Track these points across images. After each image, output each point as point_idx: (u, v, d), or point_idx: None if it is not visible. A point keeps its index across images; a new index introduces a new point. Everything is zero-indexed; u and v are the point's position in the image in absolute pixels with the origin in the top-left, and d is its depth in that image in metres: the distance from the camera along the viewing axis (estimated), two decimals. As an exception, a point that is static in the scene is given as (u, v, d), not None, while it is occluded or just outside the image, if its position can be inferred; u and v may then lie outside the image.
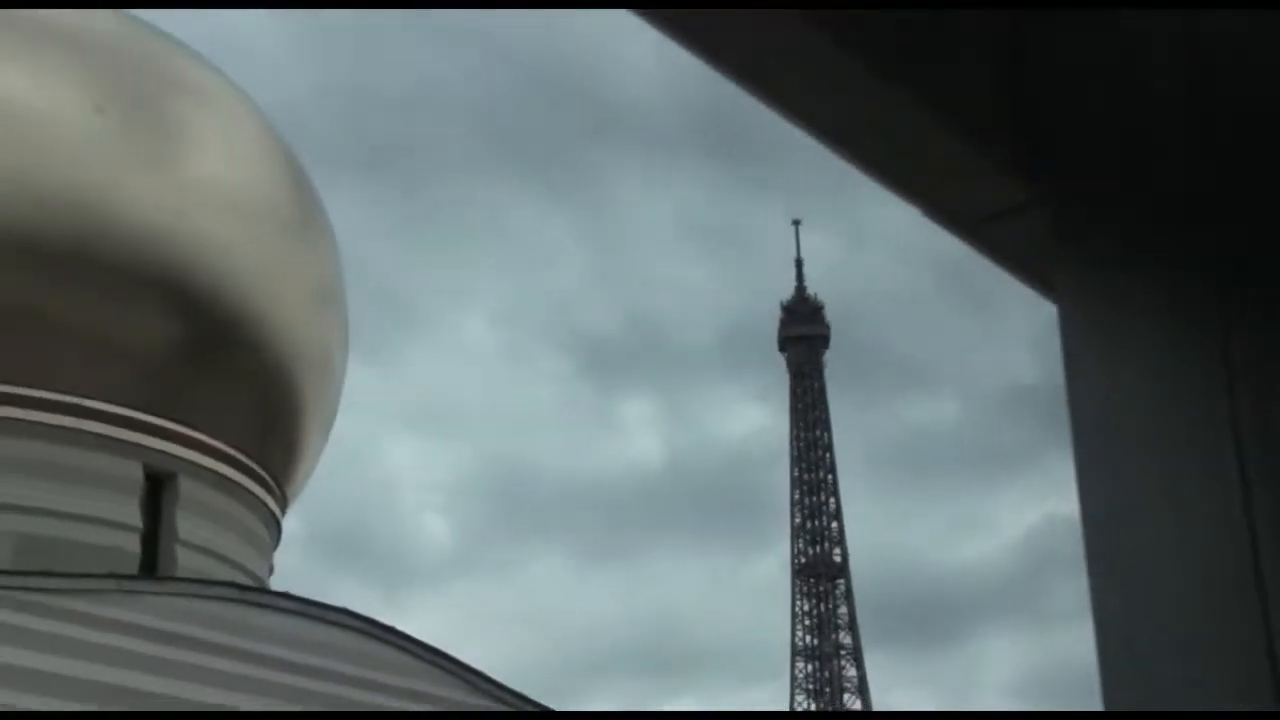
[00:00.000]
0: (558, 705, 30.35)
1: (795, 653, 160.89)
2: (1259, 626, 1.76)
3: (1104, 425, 2.00)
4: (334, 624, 27.02)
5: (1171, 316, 2.01)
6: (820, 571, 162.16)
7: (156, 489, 29.26)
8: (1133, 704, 1.86)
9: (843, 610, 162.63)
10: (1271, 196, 1.93)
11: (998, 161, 2.25)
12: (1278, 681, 1.73)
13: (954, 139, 2.23)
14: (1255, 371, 1.84)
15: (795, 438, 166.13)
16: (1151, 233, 2.04)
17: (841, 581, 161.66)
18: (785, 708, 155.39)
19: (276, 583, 31.68)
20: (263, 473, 31.42)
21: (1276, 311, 1.87)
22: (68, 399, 28.14)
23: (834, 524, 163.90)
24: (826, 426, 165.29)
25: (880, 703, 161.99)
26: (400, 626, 28.58)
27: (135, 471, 28.88)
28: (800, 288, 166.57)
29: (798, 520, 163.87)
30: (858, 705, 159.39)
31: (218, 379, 29.83)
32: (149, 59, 31.18)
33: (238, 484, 30.76)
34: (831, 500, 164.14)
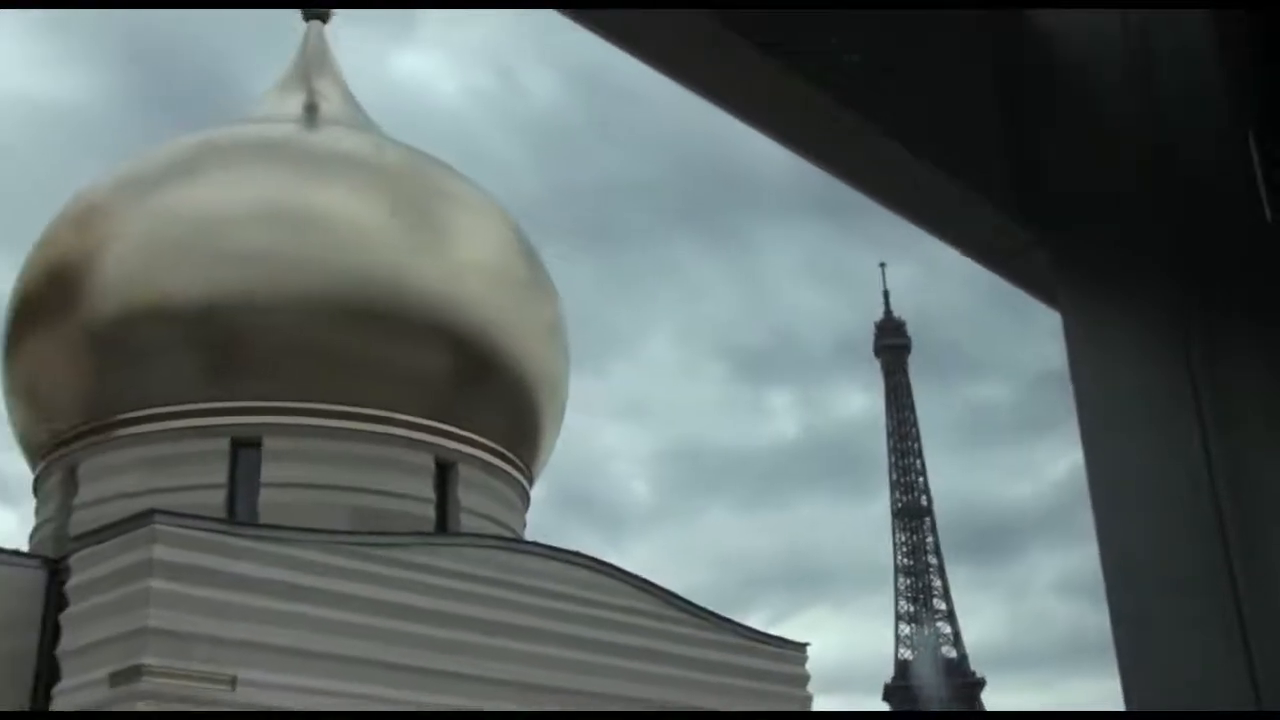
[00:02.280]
0: (731, 614, 30.08)
1: (897, 570, 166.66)
2: (1223, 563, 1.72)
3: (1098, 406, 1.94)
4: (570, 562, 27.28)
5: (1144, 328, 1.97)
6: (912, 512, 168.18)
7: (444, 472, 29.84)
8: (1132, 617, 1.82)
9: (929, 539, 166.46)
10: (1213, 241, 1.89)
11: (1002, 214, 2.12)
12: (1241, 618, 1.68)
13: (965, 197, 2.11)
14: (1209, 368, 1.80)
15: (889, 417, 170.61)
16: (1126, 266, 1.99)
17: (928, 519, 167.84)
18: (892, 611, 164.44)
19: (529, 535, 32.04)
20: (515, 458, 31.83)
21: (1223, 326, 1.84)
22: (380, 412, 28.75)
23: (920, 478, 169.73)
24: (911, 408, 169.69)
25: (959, 603, 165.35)
26: (617, 562, 28.74)
27: (428, 461, 29.56)
28: (887, 310, 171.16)
29: (894, 476, 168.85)
30: (942, 606, 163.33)
31: (481, 395, 30.20)
32: (424, 176, 31.96)
33: (498, 467, 31.24)
34: (918, 461, 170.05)
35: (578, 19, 1.75)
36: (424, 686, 23.08)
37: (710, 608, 29.71)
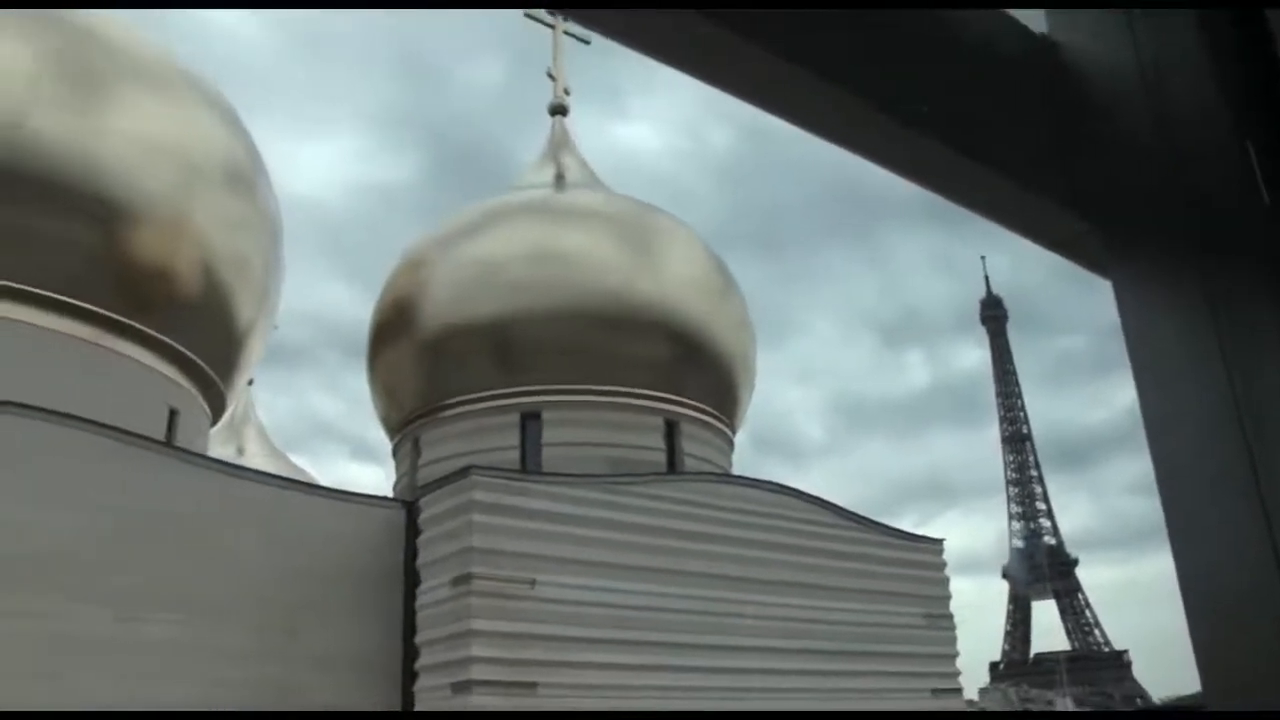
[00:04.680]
0: (885, 521, 29.50)
1: (1007, 482, 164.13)
2: (1248, 466, 1.62)
3: (1145, 354, 1.79)
4: (765, 489, 27.15)
5: (1178, 293, 1.82)
6: (1016, 438, 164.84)
7: (670, 429, 30.05)
8: (1179, 508, 1.72)
9: (1030, 458, 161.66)
10: (1226, 221, 1.76)
11: (1060, 208, 1.94)
12: (1264, 505, 1.59)
13: (1027, 197, 1.93)
14: (1234, 328, 1.68)
15: (995, 367, 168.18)
16: (1162, 246, 1.84)
17: (1028, 443, 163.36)
18: (1005, 516, 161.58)
19: (735, 470, 32.19)
20: (721, 416, 31.90)
21: (1239, 288, 1.72)
22: (622, 388, 29.25)
23: (1021, 412, 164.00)
24: (1011, 361, 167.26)
25: (1055, 503, 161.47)
26: (799, 487, 28.60)
27: (659, 421, 29.87)
28: (988, 289, 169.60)
29: (1001, 412, 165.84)
30: (1043, 507, 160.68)
31: (694, 372, 30.45)
32: (642, 217, 32.16)
33: (709, 423, 31.34)
34: (1018, 400, 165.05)
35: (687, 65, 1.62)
36: (660, 581, 23.27)
37: (869, 516, 29.31)
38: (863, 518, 28.99)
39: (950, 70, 1.87)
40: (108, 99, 24.09)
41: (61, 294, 23.07)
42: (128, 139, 24.02)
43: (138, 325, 24.50)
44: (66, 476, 19.50)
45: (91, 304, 23.55)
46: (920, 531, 31.50)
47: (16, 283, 22.53)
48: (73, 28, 24.71)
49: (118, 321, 24.09)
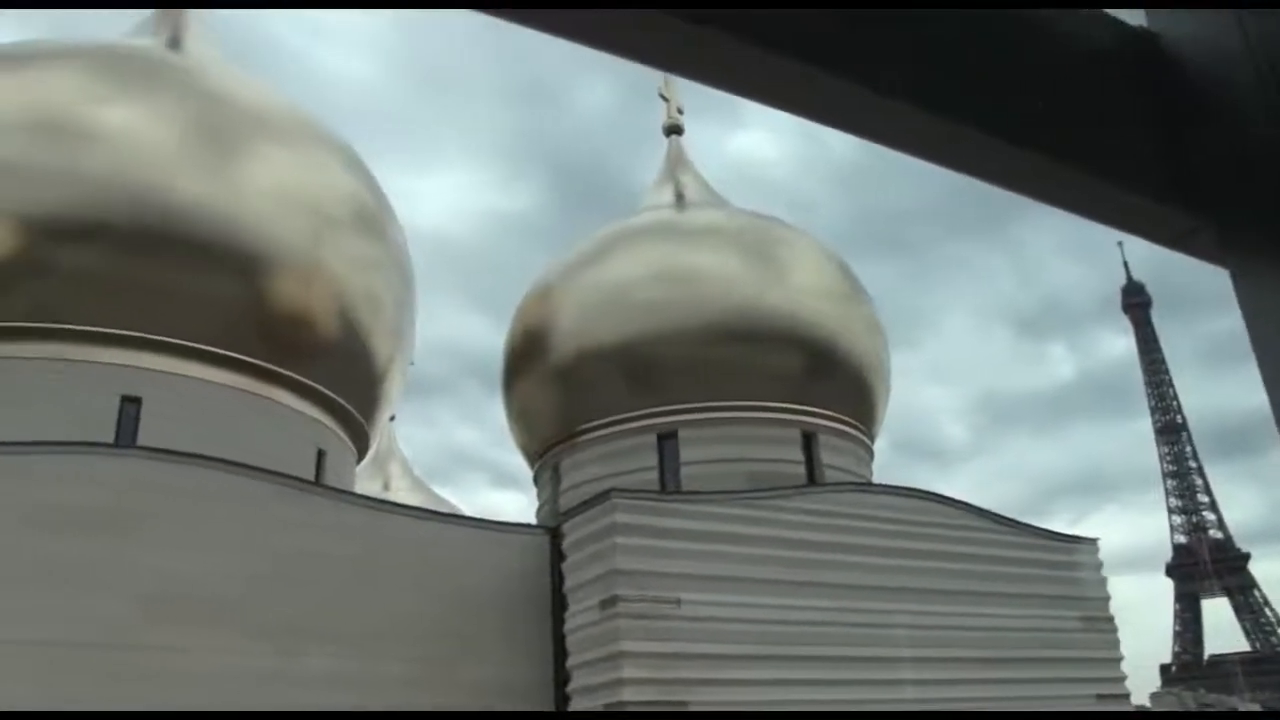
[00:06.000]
0: (1037, 521, 29.02)
1: (1164, 475, 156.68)
2: None
3: (1272, 351, 1.72)
4: (905, 495, 26.78)
5: None
6: (1170, 429, 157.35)
7: (808, 440, 29.92)
8: None
9: (1188, 448, 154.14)
10: None
11: (1167, 207, 1.87)
12: None
13: (1132, 201, 1.86)
14: None
15: (1142, 357, 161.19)
16: (1265, 234, 1.78)
17: (1184, 432, 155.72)
18: (1163, 506, 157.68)
19: (875, 478, 31.94)
20: (858, 424, 31.63)
21: None
22: (757, 402, 29.29)
23: (1174, 401, 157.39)
24: (1158, 349, 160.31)
25: (1218, 494, 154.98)
26: (945, 490, 28.59)
27: (795, 434, 29.76)
28: (1129, 276, 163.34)
29: (1151, 403, 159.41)
30: (1205, 499, 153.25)
31: (827, 381, 30.30)
32: (763, 231, 32.27)
33: (847, 432, 31.12)
34: (1170, 389, 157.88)
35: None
36: (806, 594, 23.15)
37: (1018, 518, 28.62)
38: (1012, 520, 28.40)
39: (1040, 73, 1.80)
40: (241, 157, 25.47)
41: (214, 346, 24.38)
42: (262, 193, 25.33)
43: (284, 371, 25.71)
44: (227, 520, 20.56)
45: (241, 354, 24.87)
46: (1075, 530, 31.06)
47: (173, 338, 23.89)
48: (204, 92, 26.18)
49: (266, 369, 25.34)
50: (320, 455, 26.94)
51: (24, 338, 23.11)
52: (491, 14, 1.39)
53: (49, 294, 23.18)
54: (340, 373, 27.15)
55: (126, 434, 23.06)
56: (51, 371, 22.91)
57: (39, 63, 25.59)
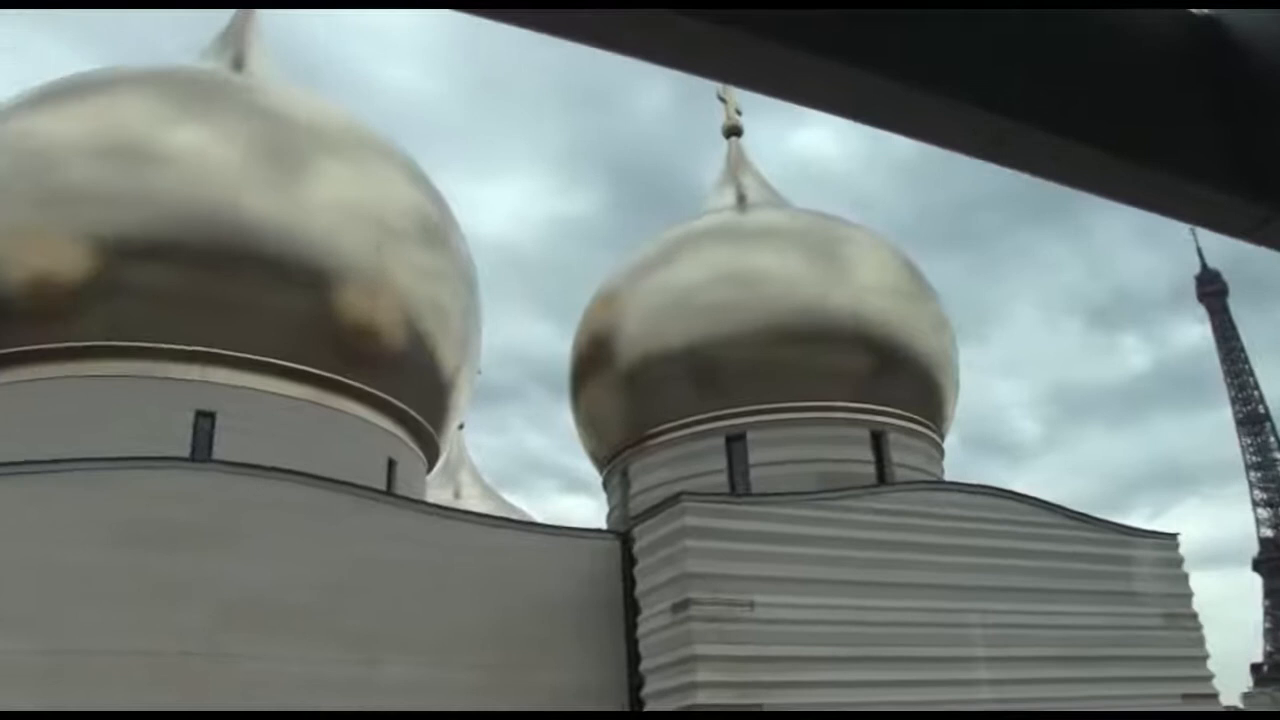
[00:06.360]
0: (1114, 516, 28.27)
1: (1247, 467, 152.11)
2: None
3: None
4: (975, 492, 26.61)
5: None
6: (1252, 419, 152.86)
7: (877, 439, 29.68)
8: None
9: (1271, 439, 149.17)
10: None
11: (1236, 198, 1.83)
12: None
13: (1199, 193, 1.84)
14: None
15: (1219, 348, 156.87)
16: None
17: (1266, 423, 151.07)
18: (1247, 499, 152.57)
19: (947, 476, 31.60)
20: (927, 422, 31.36)
21: None
22: (825, 402, 29.16)
23: (1255, 391, 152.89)
24: (1236, 337, 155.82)
25: None
26: (1019, 486, 28.30)
27: (864, 433, 29.52)
28: (1203, 264, 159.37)
29: (1231, 393, 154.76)
30: None
31: (895, 380, 30.05)
32: (826, 229, 32.15)
33: (916, 430, 30.82)
34: (1250, 378, 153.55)
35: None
36: (879, 595, 23.01)
37: (1094, 514, 28.18)
38: (1088, 516, 27.98)
39: (1105, 70, 1.78)
40: (306, 173, 25.99)
41: (284, 359, 24.85)
42: (327, 208, 25.81)
43: (353, 383, 26.12)
44: (304, 531, 21.00)
45: (311, 366, 25.31)
46: (1154, 525, 30.22)
47: (244, 352, 24.41)
48: (267, 111, 26.76)
49: (335, 381, 25.77)
50: (391, 465, 27.31)
51: (102, 356, 23.74)
52: (527, 27, 1.40)
53: (124, 313, 23.78)
54: (409, 383, 27.51)
55: (202, 448, 23.57)
56: (129, 388, 23.48)
57: (111, 89, 26.32)
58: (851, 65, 1.50)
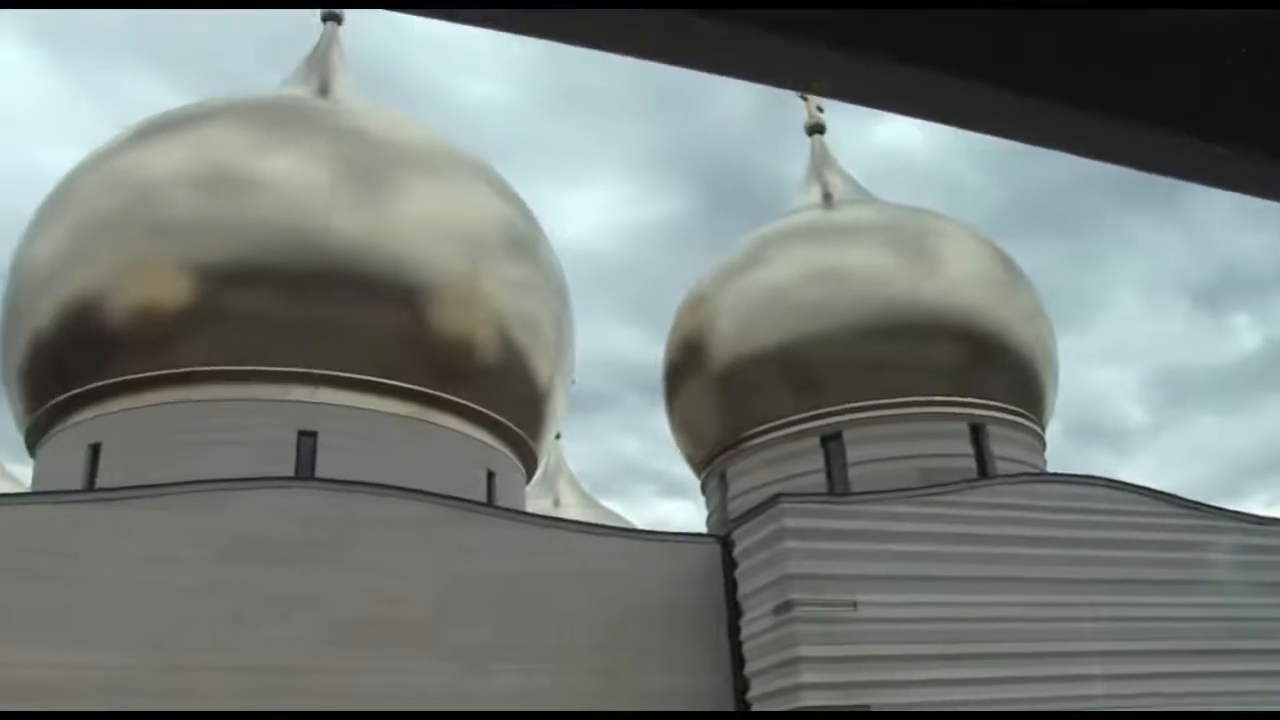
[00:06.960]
0: (1230, 504, 27.50)
1: None
2: None
3: None
4: (1078, 483, 26.09)
5: None
6: None
7: (976, 433, 29.28)
8: None
9: None
10: None
11: None
12: None
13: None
14: None
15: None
16: None
17: None
18: None
19: (1049, 467, 30.84)
20: (1028, 411, 30.84)
21: None
22: (921, 397, 28.85)
23: None
24: None
25: None
26: (1126, 475, 27.13)
27: (963, 427, 29.17)
28: None
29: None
30: None
31: (992, 372, 29.74)
32: (915, 223, 31.89)
33: (1016, 422, 30.33)
34: None
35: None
36: (985, 590, 22.72)
37: (1210, 501, 27.42)
38: (1200, 504, 27.26)
39: (1198, 58, 1.71)
40: (394, 192, 26.55)
41: (381, 376, 25.40)
42: (416, 225, 26.34)
43: (449, 397, 26.58)
44: (408, 545, 21.51)
45: (407, 382, 25.83)
46: (1274, 511, 29.07)
47: (342, 371, 25.02)
48: (354, 133, 27.42)
49: (432, 395, 26.26)
50: (490, 477, 27.72)
51: (205, 381, 24.54)
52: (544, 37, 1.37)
53: (226, 338, 24.54)
54: (504, 395, 27.90)
55: (305, 466, 24.21)
56: (232, 411, 24.22)
57: (204, 122, 27.19)
58: (942, 73, 1.50)
